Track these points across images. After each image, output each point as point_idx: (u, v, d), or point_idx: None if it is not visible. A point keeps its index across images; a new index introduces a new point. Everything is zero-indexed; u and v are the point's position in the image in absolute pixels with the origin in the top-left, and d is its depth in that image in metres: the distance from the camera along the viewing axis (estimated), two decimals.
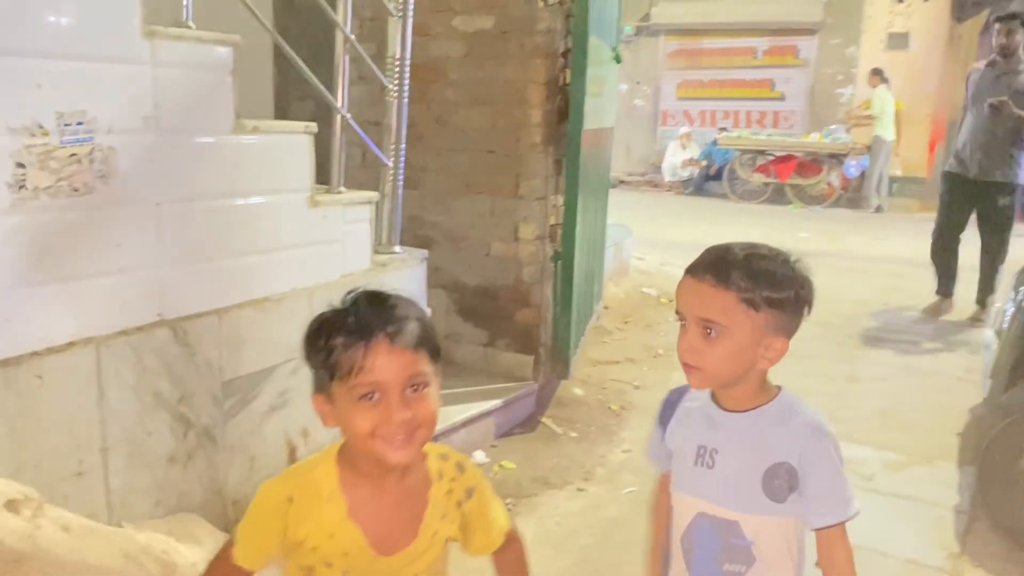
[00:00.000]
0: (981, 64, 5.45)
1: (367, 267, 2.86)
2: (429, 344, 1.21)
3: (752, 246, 1.38)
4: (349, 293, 1.24)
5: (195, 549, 2.13)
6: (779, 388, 1.42)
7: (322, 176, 2.79)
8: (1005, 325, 3.38)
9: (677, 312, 1.39)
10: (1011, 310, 3.33)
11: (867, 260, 7.96)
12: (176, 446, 2.25)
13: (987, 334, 3.85)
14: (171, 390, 2.21)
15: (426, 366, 1.20)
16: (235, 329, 2.37)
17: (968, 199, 5.62)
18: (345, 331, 1.17)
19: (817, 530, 1.38)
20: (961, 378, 4.47)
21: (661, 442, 1.53)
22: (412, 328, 1.19)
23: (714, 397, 1.44)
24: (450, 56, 3.92)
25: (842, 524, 1.36)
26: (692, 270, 1.37)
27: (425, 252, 3.23)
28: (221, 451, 2.38)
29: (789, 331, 1.36)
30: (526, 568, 1.49)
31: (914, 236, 9.63)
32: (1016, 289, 3.46)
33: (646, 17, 14.31)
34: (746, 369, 1.36)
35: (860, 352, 5.01)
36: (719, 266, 1.34)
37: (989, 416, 3.29)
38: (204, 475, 2.35)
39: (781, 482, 1.36)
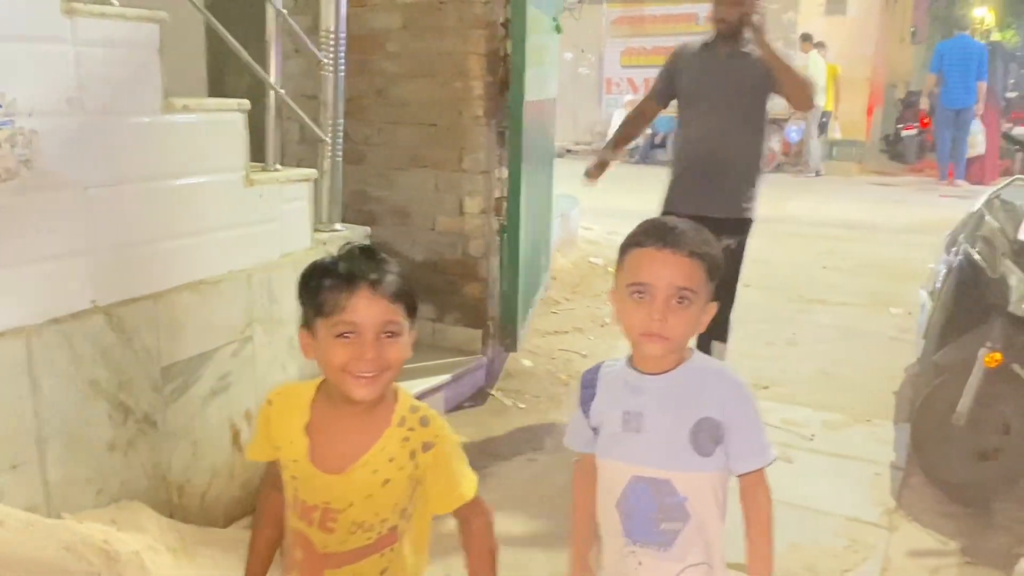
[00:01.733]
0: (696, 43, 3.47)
1: (307, 246, 2.82)
2: (406, 298, 1.36)
3: (681, 220, 1.49)
4: (344, 245, 1.40)
5: (139, 537, 2.10)
6: (690, 349, 1.50)
7: (259, 154, 2.74)
8: (938, 286, 3.48)
9: (636, 284, 1.42)
10: (943, 271, 3.44)
11: (807, 224, 8.12)
12: (115, 434, 2.21)
13: (921, 295, 3.97)
14: (108, 377, 2.16)
15: (401, 317, 1.35)
16: (172, 313, 2.32)
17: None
18: (334, 275, 1.33)
19: (741, 476, 1.48)
20: (895, 338, 4.61)
21: (585, 423, 1.58)
22: (392, 280, 1.34)
23: (631, 363, 1.52)
24: (388, 28, 3.86)
25: (762, 469, 1.47)
26: (658, 242, 1.42)
27: (368, 229, 3.21)
28: (163, 437, 2.34)
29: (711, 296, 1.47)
30: (490, 544, 1.53)
31: (852, 199, 9.88)
32: (948, 251, 3.57)
33: None
34: (694, 334, 1.46)
35: (800, 315, 5.12)
36: (685, 238, 1.42)
37: (922, 375, 3.39)
38: (147, 462, 2.31)
39: (706, 436, 1.44)
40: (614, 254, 5.47)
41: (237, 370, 2.52)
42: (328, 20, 2.91)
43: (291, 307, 2.70)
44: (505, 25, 3.76)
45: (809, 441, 3.39)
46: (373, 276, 1.32)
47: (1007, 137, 3.87)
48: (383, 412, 1.41)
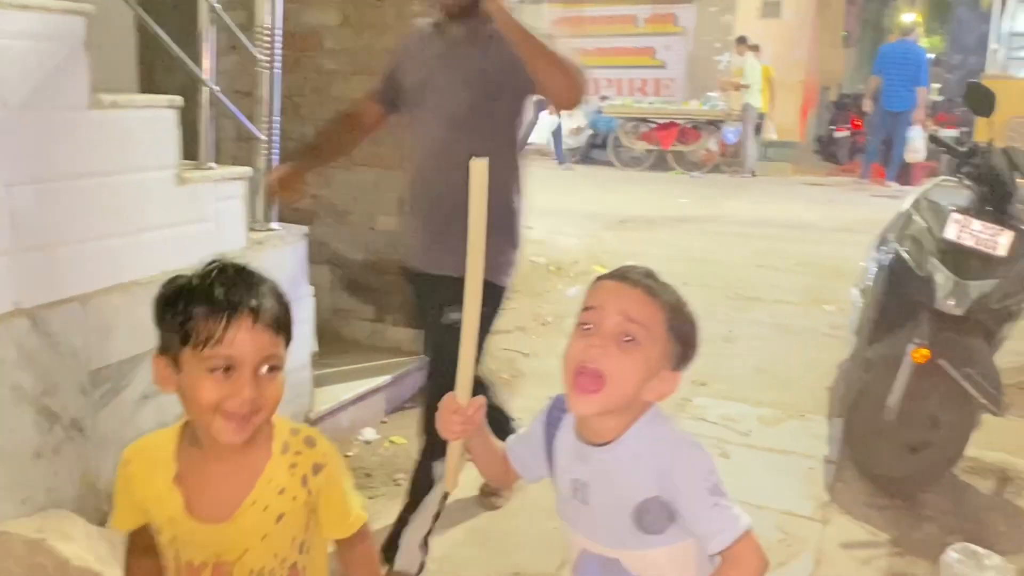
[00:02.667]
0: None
1: (243, 245, 2.76)
2: (288, 329, 1.25)
3: (650, 271, 1.35)
4: (212, 263, 1.24)
5: (67, 546, 2.03)
6: (650, 412, 1.32)
7: (193, 152, 2.68)
8: (869, 284, 3.57)
9: (587, 310, 1.29)
10: (874, 270, 3.52)
11: (743, 224, 8.27)
12: (41, 440, 2.13)
13: (853, 293, 4.07)
14: (33, 383, 2.09)
15: (282, 350, 1.23)
16: (101, 316, 2.25)
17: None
18: (208, 300, 1.17)
19: (717, 554, 1.25)
20: (829, 335, 4.73)
21: (540, 446, 1.42)
22: (275, 309, 1.21)
23: (577, 430, 1.35)
24: (326, 24, 3.81)
25: (739, 540, 1.23)
26: (621, 277, 1.30)
27: (305, 228, 3.15)
28: (92, 443, 2.27)
29: (679, 370, 1.31)
30: (377, 571, 1.46)
31: (787, 199, 10.10)
32: (878, 249, 3.66)
33: None
34: (635, 397, 1.27)
35: (736, 313, 5.21)
36: (651, 281, 1.30)
37: (854, 371, 3.48)
38: (74, 469, 2.23)
39: (655, 516, 1.27)
40: (556, 254, 5.51)
41: None
42: (263, 16, 2.86)
43: None
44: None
45: (745, 437, 3.45)
46: (254, 303, 1.18)
47: (934, 139, 3.99)
48: (261, 443, 1.28)
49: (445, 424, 1.36)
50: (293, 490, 1.29)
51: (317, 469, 1.31)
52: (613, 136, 13.05)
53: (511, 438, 1.50)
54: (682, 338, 1.30)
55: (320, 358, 3.27)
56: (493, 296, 2.25)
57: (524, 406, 3.76)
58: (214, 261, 1.25)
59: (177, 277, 1.24)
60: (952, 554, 2.49)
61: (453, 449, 1.40)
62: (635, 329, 1.25)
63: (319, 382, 3.26)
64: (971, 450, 3.04)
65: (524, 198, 2.48)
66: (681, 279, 1.37)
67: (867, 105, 11.42)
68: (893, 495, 2.99)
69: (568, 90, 2.25)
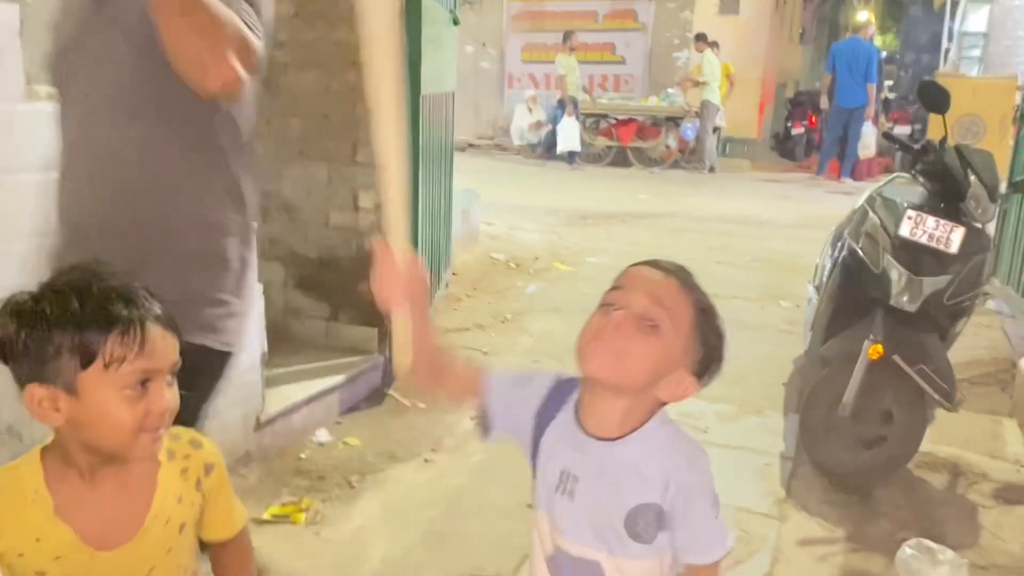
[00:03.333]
0: None
1: None
2: (179, 330, 1.17)
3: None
4: (63, 274, 1.13)
5: None
6: (660, 415, 1.27)
7: None
8: (824, 280, 3.59)
9: (613, 290, 1.23)
10: (828, 266, 3.54)
11: (701, 220, 8.31)
12: None
13: (808, 289, 4.09)
14: None
15: (178, 353, 1.17)
16: None
17: None
18: (112, 318, 1.07)
19: (691, 566, 1.25)
20: (785, 331, 4.75)
21: (533, 408, 1.31)
22: (168, 313, 1.14)
23: (578, 416, 1.27)
24: (277, 15, 3.70)
25: (719, 561, 1.24)
26: (655, 264, 1.26)
27: (255, 224, 3.06)
28: (28, 450, 2.17)
29: (698, 379, 1.25)
30: (252, 568, 1.40)
31: (744, 196, 10.19)
32: (833, 246, 3.68)
33: None
34: (648, 385, 1.21)
35: None
36: (687, 276, 1.25)
37: (810, 367, 3.49)
38: None
39: (647, 524, 1.22)
40: (517, 250, 5.46)
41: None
42: None
43: None
44: (400, 15, 3.67)
45: (703, 434, 3.44)
46: (157, 310, 1.12)
47: (887, 136, 4.01)
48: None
49: (383, 285, 1.23)
50: (189, 496, 1.24)
51: (208, 470, 1.27)
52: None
53: (499, 370, 1.37)
54: (707, 344, 1.23)
55: (271, 358, 3.20)
56: (208, 365, 1.64)
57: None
58: (70, 269, 1.13)
59: (26, 299, 1.09)
60: (907, 549, 2.50)
61: (398, 323, 1.27)
62: (660, 315, 1.18)
63: (270, 383, 3.18)
64: (925, 445, 3.06)
65: (249, 226, 1.80)
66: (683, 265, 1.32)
67: (823, 102, 11.58)
68: (848, 491, 3.01)
69: (200, 66, 1.43)
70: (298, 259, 3.92)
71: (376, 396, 3.71)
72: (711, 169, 12.06)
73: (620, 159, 12.65)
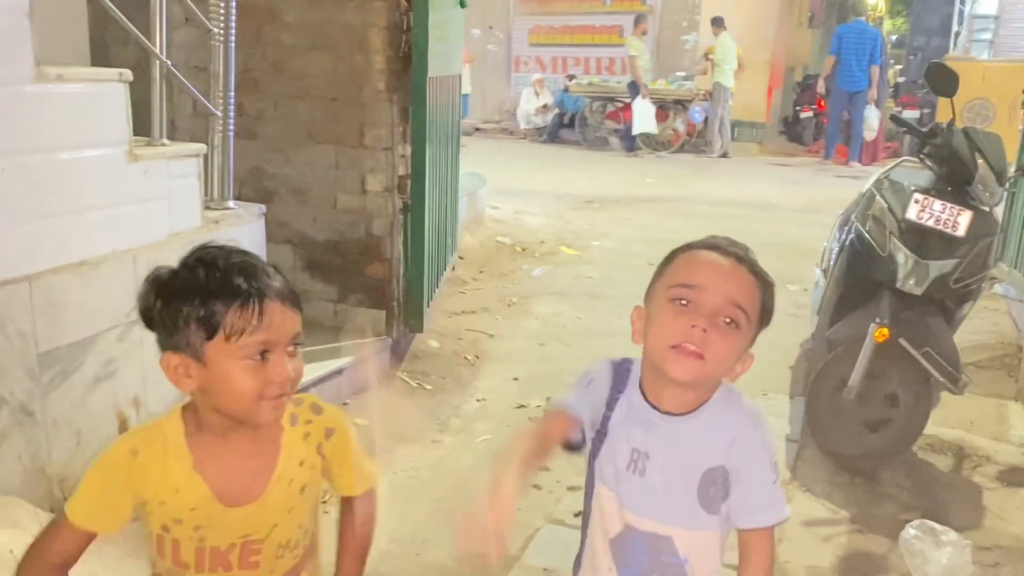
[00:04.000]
0: None
1: (198, 224, 2.69)
2: (299, 304, 1.24)
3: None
4: (200, 250, 1.21)
5: (14, 533, 1.98)
6: (723, 388, 1.28)
7: (147, 128, 2.60)
8: (831, 264, 3.59)
9: (683, 285, 1.21)
10: (836, 250, 3.54)
11: (709, 203, 8.29)
12: None
13: (815, 272, 4.09)
14: None
15: (300, 325, 1.23)
16: (50, 296, 2.18)
17: None
18: (234, 291, 1.15)
19: (745, 531, 1.25)
20: (792, 314, 4.74)
21: (602, 402, 1.32)
22: (287, 285, 1.22)
23: (646, 396, 1.28)
24: None
25: (772, 527, 1.24)
26: (724, 252, 1.24)
27: (262, 207, 3.09)
28: (41, 427, 2.20)
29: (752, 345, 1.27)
30: (370, 535, 1.45)
31: (752, 179, 10.15)
32: (841, 229, 3.68)
33: None
34: (726, 375, 1.24)
35: None
36: (751, 258, 1.26)
37: (816, 350, 3.50)
38: (23, 454, 2.17)
39: (717, 489, 1.23)
40: (523, 234, 5.45)
41: (123, 355, 2.39)
42: None
43: None
44: None
45: None
46: (276, 284, 1.18)
47: (895, 120, 3.96)
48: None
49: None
50: (311, 459, 1.31)
51: (329, 434, 1.33)
52: (580, 115, 13.00)
53: (570, 395, 1.36)
54: (768, 318, 1.26)
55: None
56: None
57: (489, 387, 3.74)
58: (202, 248, 1.22)
59: (166, 273, 1.20)
60: (910, 531, 2.52)
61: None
62: (737, 314, 1.20)
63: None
64: (930, 428, 3.07)
65: None
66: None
67: (820, 86, 11.59)
68: (853, 473, 3.02)
69: None
70: (306, 242, 3.94)
71: (384, 378, 3.73)
72: (724, 154, 11.97)
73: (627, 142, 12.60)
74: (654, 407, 1.27)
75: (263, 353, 1.17)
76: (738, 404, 1.27)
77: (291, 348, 1.20)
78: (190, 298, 1.15)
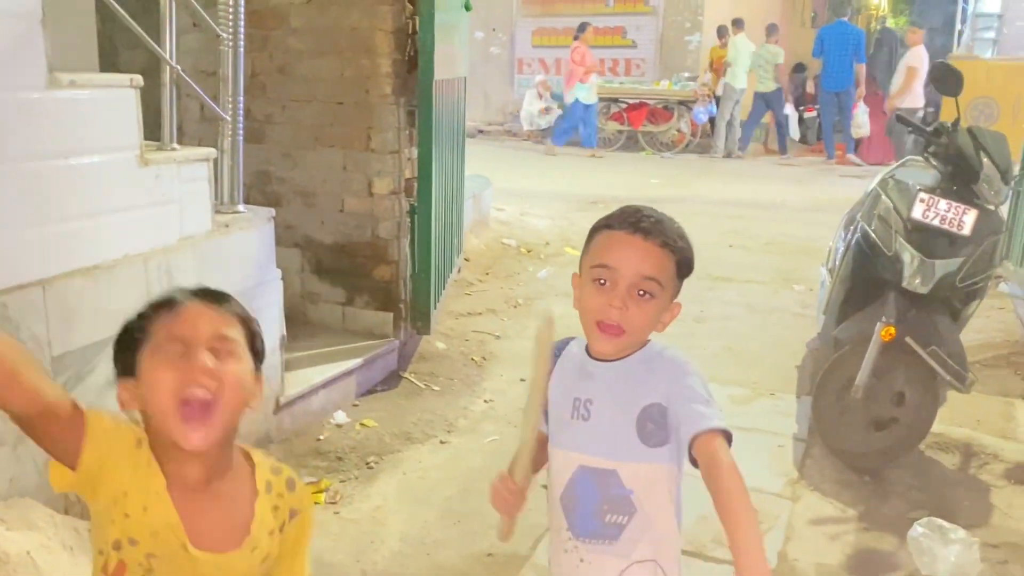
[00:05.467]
0: None
1: (208, 228, 2.71)
2: (245, 319, 1.21)
3: (655, 211, 1.40)
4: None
5: (31, 536, 2.00)
6: (648, 339, 1.42)
7: (157, 132, 2.62)
8: (837, 263, 3.60)
9: (600, 266, 1.35)
10: (841, 249, 3.55)
11: (714, 203, 8.30)
12: (4, 428, 2.08)
13: (821, 272, 4.10)
14: None
15: (236, 333, 1.18)
16: (63, 300, 2.20)
17: None
18: (162, 300, 1.18)
19: (694, 440, 1.26)
20: (798, 314, 4.77)
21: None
22: (229, 301, 1.21)
23: (587, 348, 1.43)
24: (291, 2, 3.74)
25: (718, 435, 1.26)
26: (632, 227, 1.34)
27: (272, 210, 3.10)
28: None
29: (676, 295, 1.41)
30: None
31: (758, 179, 10.15)
32: (846, 229, 3.69)
33: None
34: (649, 332, 1.39)
35: (708, 292, 5.23)
36: (660, 228, 1.35)
37: (822, 350, 3.51)
38: (38, 457, 2.19)
39: (654, 425, 1.34)
40: (527, 235, 5.48)
41: None
42: None
43: None
44: (413, 2, 3.69)
45: None
46: (203, 294, 1.19)
47: (900, 119, 3.94)
48: (243, 478, 1.23)
49: (497, 498, 1.47)
50: (275, 534, 1.24)
51: (293, 515, 1.27)
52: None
53: None
54: (685, 270, 1.39)
55: (289, 342, 3.24)
56: None
57: (496, 388, 3.76)
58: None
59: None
60: (918, 528, 2.53)
61: (506, 519, 1.50)
62: (651, 285, 1.33)
63: (289, 366, 3.23)
64: (937, 426, 3.08)
65: None
66: (651, 209, 1.40)
67: (809, 86, 11.69)
68: (861, 471, 3.03)
69: None
70: (314, 245, 3.96)
71: (392, 379, 3.75)
72: (729, 154, 11.97)
73: (631, 143, 12.61)
74: (592, 357, 1.42)
75: (178, 349, 1.13)
76: (669, 350, 1.41)
77: (218, 347, 1.14)
78: (128, 324, 1.19)
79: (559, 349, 1.47)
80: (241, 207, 2.97)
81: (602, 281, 1.35)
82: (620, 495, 1.37)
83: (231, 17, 2.81)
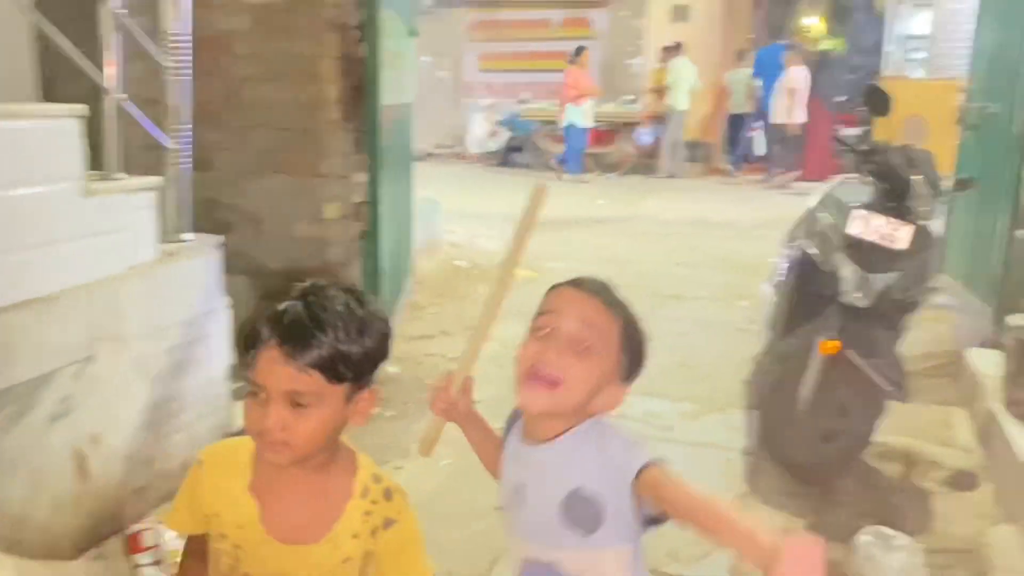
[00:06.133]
0: None
1: (154, 258, 2.69)
2: (330, 366, 1.19)
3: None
4: (306, 287, 1.26)
5: None
6: (583, 419, 1.32)
7: (102, 162, 2.60)
8: (780, 279, 3.69)
9: (543, 314, 1.31)
10: (784, 265, 3.64)
11: (660, 223, 8.43)
12: None
13: (766, 288, 4.19)
14: None
15: (310, 387, 1.19)
16: (5, 334, 2.15)
17: None
18: (262, 321, 1.21)
19: (638, 479, 1.22)
20: (745, 329, 4.86)
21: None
22: (319, 346, 1.18)
23: (523, 433, 1.37)
24: (236, 29, 3.74)
25: (651, 467, 1.22)
26: (578, 285, 1.32)
27: (220, 238, 3.08)
28: None
29: (623, 383, 1.32)
30: None
31: (702, 198, 10.35)
32: (788, 245, 3.78)
33: None
34: (583, 405, 1.28)
35: (657, 311, 5.30)
36: (608, 293, 1.32)
37: (769, 364, 3.58)
38: None
39: (581, 509, 1.25)
40: (479, 257, 5.50)
41: (80, 392, 2.37)
42: (168, 21, 2.79)
43: (139, 323, 2.57)
44: (360, 28, 3.71)
45: (668, 432, 3.52)
46: (292, 338, 1.18)
47: (837, 139, 4.07)
48: (342, 479, 1.30)
49: (432, 397, 1.47)
50: (363, 537, 1.29)
51: (388, 524, 1.31)
52: (531, 139, 13.12)
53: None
54: (633, 351, 1.32)
55: (239, 371, 3.20)
56: None
57: None
58: (309, 286, 1.26)
59: (281, 299, 1.23)
60: (864, 537, 2.59)
61: (434, 421, 1.50)
62: (591, 336, 1.26)
63: (238, 396, 3.19)
64: (880, 436, 3.17)
65: None
66: (602, 279, 1.38)
67: (749, 106, 12.24)
68: (808, 483, 3.10)
69: None
70: (264, 272, 3.93)
71: None
72: (672, 175, 12.18)
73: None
74: (525, 442, 1.35)
75: (258, 393, 1.19)
76: (604, 431, 1.30)
77: (291, 402, 1.18)
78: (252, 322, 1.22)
79: (515, 417, 1.41)
80: (188, 235, 2.95)
81: (542, 330, 1.29)
82: None
83: (176, 45, 2.80)
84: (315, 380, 1.19)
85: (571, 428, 1.30)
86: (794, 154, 11.59)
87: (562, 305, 1.30)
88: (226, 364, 3.05)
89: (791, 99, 11.12)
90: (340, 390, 1.22)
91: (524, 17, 14.33)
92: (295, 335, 1.18)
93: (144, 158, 3.47)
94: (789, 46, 11.83)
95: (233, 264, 3.28)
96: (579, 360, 1.26)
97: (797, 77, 11.15)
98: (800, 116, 11.20)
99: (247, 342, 1.21)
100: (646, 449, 1.26)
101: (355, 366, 1.22)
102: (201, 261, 2.91)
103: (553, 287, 1.36)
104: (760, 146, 12.21)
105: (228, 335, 3.10)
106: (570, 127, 11.89)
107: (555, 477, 1.29)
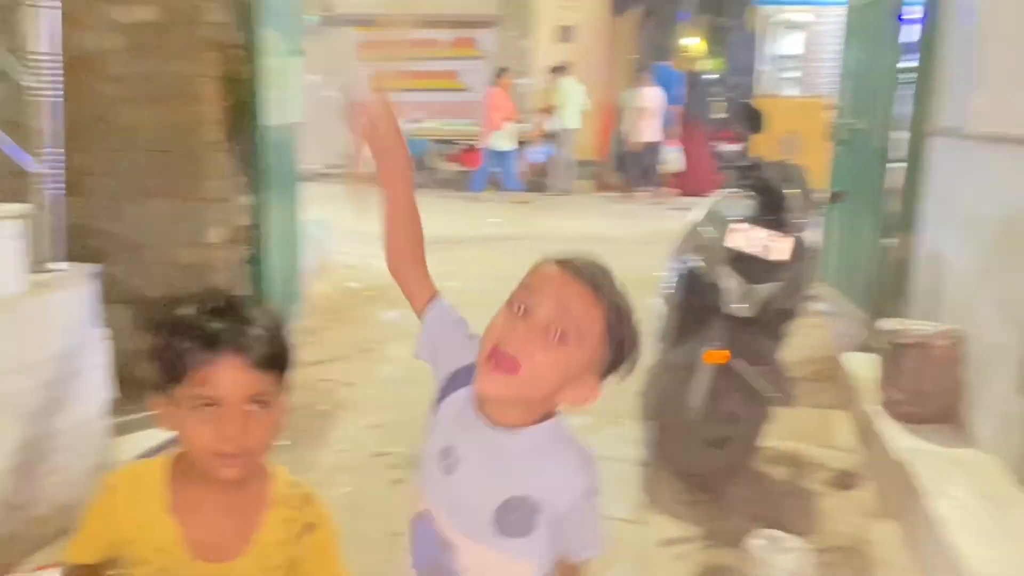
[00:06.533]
0: None
1: (23, 290, 2.53)
2: (279, 362, 1.23)
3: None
4: (208, 294, 1.25)
5: None
6: (552, 414, 1.23)
7: None
8: (669, 292, 3.78)
9: (523, 288, 1.18)
10: (672, 278, 3.73)
11: (552, 240, 8.49)
12: None
13: (656, 301, 4.29)
14: None
15: (270, 387, 1.21)
16: None
17: None
18: (197, 338, 1.17)
19: (562, 563, 1.25)
20: None
21: (446, 365, 1.32)
22: (265, 346, 1.20)
23: (476, 404, 1.23)
24: (109, 49, 3.58)
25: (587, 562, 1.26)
26: (568, 265, 1.18)
27: (96, 267, 2.93)
28: None
29: (603, 378, 1.21)
30: None
31: (592, 215, 10.55)
32: (676, 259, 3.88)
33: (329, 7, 14.11)
34: (549, 396, 1.18)
35: None
36: (601, 279, 1.18)
37: (660, 375, 3.66)
38: None
39: (519, 517, 1.18)
40: (373, 278, 5.43)
41: None
42: (32, 41, 2.65)
43: (6, 359, 2.41)
44: (242, 47, 3.62)
45: None
46: (242, 340, 1.18)
47: (716, 155, 4.25)
48: (258, 489, 1.29)
49: (350, 114, 1.35)
50: (288, 544, 1.29)
51: (309, 528, 1.31)
52: (423, 159, 13.09)
53: (448, 305, 1.39)
54: (618, 346, 1.18)
55: (121, 405, 3.05)
56: None
57: (348, 437, 3.67)
58: (209, 292, 1.26)
59: (173, 314, 1.21)
60: (756, 541, 2.67)
61: (356, 149, 1.38)
62: (567, 324, 1.13)
63: (121, 430, 3.03)
64: (768, 441, 3.28)
65: None
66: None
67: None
68: (703, 491, 3.18)
69: None
70: (144, 300, 3.75)
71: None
72: (564, 191, 12.40)
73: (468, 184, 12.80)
74: (477, 412, 1.22)
75: (211, 406, 1.17)
76: (567, 443, 1.22)
77: (251, 407, 1.18)
78: (168, 339, 1.19)
79: (465, 376, 1.25)
80: (61, 265, 2.79)
81: (518, 306, 1.15)
82: (450, 572, 1.22)
83: (41, 66, 2.66)
84: (271, 379, 1.21)
85: (531, 420, 1.19)
86: (648, 171, 12.06)
87: (541, 284, 1.16)
88: (104, 399, 2.89)
89: (641, 118, 11.80)
90: (281, 390, 1.25)
91: (413, 37, 14.31)
92: (249, 339, 1.18)
93: (10, 184, 3.28)
94: (639, 68, 12.32)
95: (111, 293, 3.12)
96: (547, 348, 1.12)
97: (647, 96, 11.83)
98: (648, 135, 11.84)
99: (174, 367, 1.17)
100: (599, 536, 1.27)
101: (289, 361, 1.26)
102: (75, 292, 2.76)
103: (540, 261, 1.22)
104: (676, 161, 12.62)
105: (105, 367, 2.95)
106: (496, 152, 11.94)
107: (502, 473, 1.19)
